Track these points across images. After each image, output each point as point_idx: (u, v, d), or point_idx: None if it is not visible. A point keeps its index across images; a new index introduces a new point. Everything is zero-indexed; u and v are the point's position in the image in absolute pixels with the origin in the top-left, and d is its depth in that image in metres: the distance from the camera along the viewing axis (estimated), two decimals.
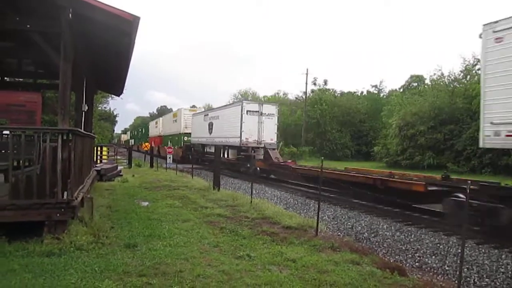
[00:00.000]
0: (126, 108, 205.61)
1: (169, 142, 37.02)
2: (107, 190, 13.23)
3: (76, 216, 6.83)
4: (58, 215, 6.42)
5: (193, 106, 44.62)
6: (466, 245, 7.09)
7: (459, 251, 6.62)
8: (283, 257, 6.38)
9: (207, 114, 30.26)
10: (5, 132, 8.68)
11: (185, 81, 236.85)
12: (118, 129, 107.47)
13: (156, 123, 48.99)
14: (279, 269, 5.80)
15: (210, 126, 28.68)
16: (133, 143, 60.55)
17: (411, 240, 9.28)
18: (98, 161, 21.12)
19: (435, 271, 7.45)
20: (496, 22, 9.01)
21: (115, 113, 63.93)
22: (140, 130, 65.12)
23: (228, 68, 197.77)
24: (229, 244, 7.09)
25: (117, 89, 15.96)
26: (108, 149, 30.99)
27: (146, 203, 11.15)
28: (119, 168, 20.51)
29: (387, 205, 12.92)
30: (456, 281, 5.97)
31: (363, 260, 6.50)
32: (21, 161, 6.83)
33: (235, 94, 73.63)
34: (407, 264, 7.82)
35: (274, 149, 23.53)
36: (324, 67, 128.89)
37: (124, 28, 7.04)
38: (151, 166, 28.40)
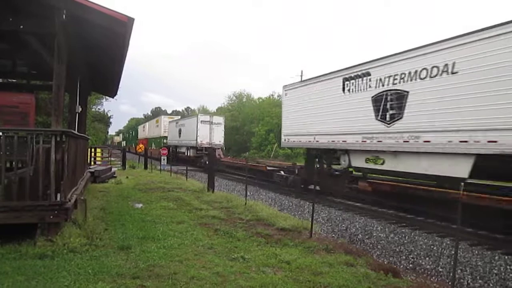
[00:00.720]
0: (120, 109, 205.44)
1: (152, 144, 43.35)
2: (101, 192, 13.17)
3: (69, 218, 6.78)
4: (51, 217, 6.37)
5: (173, 113, 55.83)
6: (459, 246, 7.13)
7: (453, 252, 6.65)
8: (277, 259, 6.38)
9: (178, 122, 37.83)
10: None
11: (179, 82, 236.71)
12: (112, 131, 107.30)
13: (144, 127, 55.80)
14: (274, 271, 5.80)
15: (180, 131, 36.11)
16: (124, 145, 65.87)
17: (405, 241, 9.32)
18: (92, 163, 21.03)
19: (429, 272, 7.48)
20: (285, 86, 18.68)
21: (109, 115, 63.97)
22: (131, 132, 70.68)
23: (223, 69, 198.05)
24: (224, 246, 7.07)
25: (111, 90, 15.89)
26: (102, 150, 30.86)
27: (140, 205, 11.10)
28: (113, 169, 20.43)
29: (375, 205, 12.98)
30: (450, 283, 6.00)
31: (357, 262, 6.52)
32: (14, 163, 6.78)
33: (230, 95, 73.60)
34: (401, 266, 7.85)
35: (219, 148, 31.61)
36: (319, 68, 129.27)
37: (118, 29, 7.02)
38: (145, 167, 28.33)
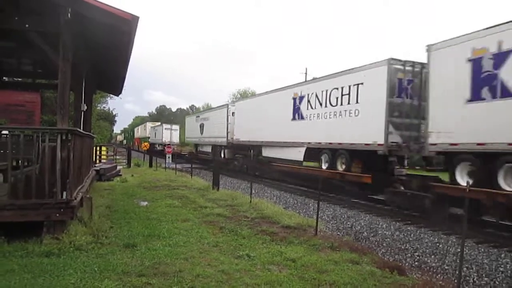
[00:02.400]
0: (125, 107, 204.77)
1: (142, 141, 53.43)
2: (106, 190, 13.22)
3: (75, 216, 6.81)
4: (57, 215, 6.40)
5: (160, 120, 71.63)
6: (465, 244, 7.11)
7: (459, 250, 6.63)
8: (282, 256, 6.38)
9: (154, 127, 53.58)
10: (4, 132, 8.67)
11: (184, 80, 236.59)
12: (117, 129, 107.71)
13: (137, 129, 71.48)
14: (279, 269, 5.80)
15: (155, 134, 50.08)
16: (125, 143, 77.02)
17: (411, 239, 9.29)
18: (97, 161, 21.12)
19: (434, 270, 7.45)
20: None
21: (114, 113, 64.53)
22: (130, 132, 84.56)
23: (227, 67, 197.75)
24: (229, 243, 7.08)
25: (116, 88, 15.92)
26: (107, 148, 30.97)
27: (145, 203, 11.14)
28: (118, 167, 20.50)
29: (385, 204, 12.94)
30: (456, 280, 5.98)
31: (362, 260, 6.50)
32: (20, 161, 6.82)
33: (234, 93, 73.70)
34: (407, 264, 7.82)
35: (174, 144, 41.64)
36: (324, 66, 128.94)
37: (123, 27, 7.02)
38: (150, 165, 28.38)
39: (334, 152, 15.41)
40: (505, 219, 9.65)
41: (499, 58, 9.12)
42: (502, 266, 7.42)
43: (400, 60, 12.69)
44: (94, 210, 8.11)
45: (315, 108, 16.46)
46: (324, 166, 16.03)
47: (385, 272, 5.95)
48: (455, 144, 10.18)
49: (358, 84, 13.91)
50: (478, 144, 9.53)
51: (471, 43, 9.82)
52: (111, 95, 35.10)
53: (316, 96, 16.34)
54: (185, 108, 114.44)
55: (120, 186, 15.02)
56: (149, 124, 60.11)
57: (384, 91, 12.54)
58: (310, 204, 13.66)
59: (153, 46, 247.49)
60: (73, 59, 7.31)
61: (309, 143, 16.81)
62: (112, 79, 13.50)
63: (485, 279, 6.94)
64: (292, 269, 5.82)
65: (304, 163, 17.86)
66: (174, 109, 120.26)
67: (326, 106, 15.67)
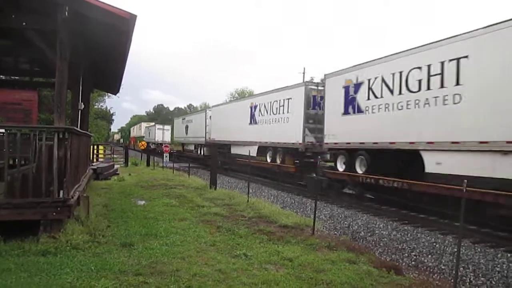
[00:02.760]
0: (123, 106, 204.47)
1: (138, 141, 56.48)
2: (104, 189, 13.20)
3: (72, 215, 6.79)
4: (54, 214, 6.38)
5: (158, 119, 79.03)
6: (462, 244, 7.12)
7: (455, 250, 6.63)
8: (279, 256, 6.38)
9: (148, 127, 58.05)
10: (0, 130, 8.63)
11: (182, 79, 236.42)
12: (114, 128, 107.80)
13: (133, 129, 76.86)
14: (276, 268, 5.80)
15: (149, 133, 54.14)
16: (122, 142, 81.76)
17: (408, 239, 9.31)
18: (95, 160, 21.07)
19: (431, 270, 7.47)
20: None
21: (111, 112, 64.78)
22: (126, 131, 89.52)
23: (225, 67, 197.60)
24: (226, 243, 7.08)
25: (114, 87, 15.88)
26: (105, 147, 30.92)
27: (142, 202, 11.13)
28: (115, 166, 20.47)
29: (383, 204, 12.99)
30: (452, 280, 5.99)
31: (359, 259, 6.51)
32: (16, 160, 6.79)
33: (232, 93, 73.80)
34: (404, 263, 7.83)
35: (167, 143, 39.60)
36: (322, 66, 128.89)
37: (121, 26, 7.00)
38: (148, 164, 28.37)
39: (275, 149, 20.20)
40: (356, 189, 14.54)
41: (357, 87, 13.96)
42: (499, 266, 7.44)
43: (314, 83, 18.60)
44: (91, 209, 8.10)
45: (263, 115, 21.36)
46: (268, 160, 20.89)
47: (382, 271, 5.96)
48: (337, 143, 15.08)
49: (289, 99, 18.60)
50: (347, 143, 14.49)
51: (344, 76, 14.59)
52: (109, 94, 35.08)
53: (264, 106, 21.22)
54: (183, 107, 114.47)
55: (117, 185, 15.00)
56: (144, 124, 65.39)
57: (302, 104, 17.30)
58: (308, 204, 13.67)
59: (151, 45, 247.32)
60: (70, 57, 7.29)
61: (260, 142, 21.56)
62: (110, 78, 13.47)
63: (482, 279, 6.95)
64: (289, 268, 5.82)
65: (257, 158, 22.15)
66: (171, 108, 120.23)
67: (270, 114, 20.58)
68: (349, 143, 14.28)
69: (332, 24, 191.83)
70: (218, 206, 11.05)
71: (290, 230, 8.44)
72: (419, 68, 11.18)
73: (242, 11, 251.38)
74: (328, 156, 17.81)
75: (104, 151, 29.40)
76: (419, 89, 11.20)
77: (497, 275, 7.06)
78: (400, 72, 11.85)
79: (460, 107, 10.02)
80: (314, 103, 17.25)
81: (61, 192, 6.54)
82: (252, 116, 22.55)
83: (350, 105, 14.17)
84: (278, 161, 19.87)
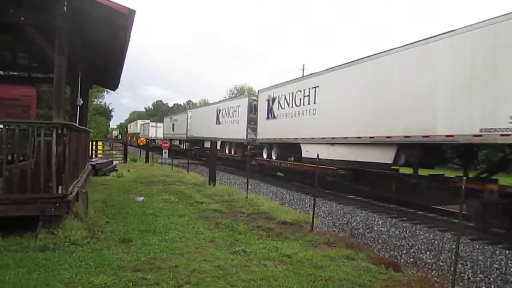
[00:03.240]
0: (121, 102, 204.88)
1: (134, 137, 60.17)
2: (102, 185, 13.19)
3: (70, 211, 6.79)
4: (52, 209, 6.38)
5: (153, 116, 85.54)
6: (460, 241, 7.11)
7: (454, 247, 6.65)
8: (278, 252, 6.39)
9: (143, 124, 63.04)
10: None
11: (180, 75, 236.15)
12: (113, 124, 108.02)
13: (130, 126, 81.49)
14: (275, 265, 5.81)
15: (144, 130, 59.32)
16: (120, 138, 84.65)
17: (406, 235, 9.32)
18: (93, 156, 21.05)
19: (429, 266, 7.48)
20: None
21: (110, 108, 64.79)
22: (124, 128, 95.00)
23: (224, 63, 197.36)
24: (225, 239, 7.09)
25: (112, 83, 15.87)
26: (104, 143, 30.88)
27: (141, 198, 11.13)
28: (114, 163, 20.45)
29: (382, 201, 13.01)
30: (451, 277, 6.00)
31: (358, 256, 6.52)
32: (15, 155, 6.78)
33: (231, 89, 73.61)
34: (402, 260, 7.85)
35: (159, 139, 48.05)
36: (323, 63, 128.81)
37: (120, 21, 6.98)
38: (147, 161, 28.36)
39: (231, 143, 25.98)
40: (273, 173, 20.91)
41: (273, 100, 19.99)
42: (497, 262, 7.45)
43: (255, 94, 23.51)
44: (89, 205, 8.10)
45: (225, 117, 27.19)
46: (227, 152, 26.45)
47: (381, 268, 5.97)
48: (263, 139, 21.01)
49: (238, 106, 24.65)
50: (268, 139, 20.45)
51: (268, 92, 20.64)
52: (108, 90, 35.04)
53: (225, 110, 27.16)
54: (182, 104, 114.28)
55: (116, 181, 14.99)
56: (139, 122, 71.80)
57: (246, 111, 23.25)
58: (306, 200, 13.68)
59: (151, 41, 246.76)
60: (69, 53, 7.27)
61: (222, 138, 26.97)
62: (109, 74, 13.45)
63: (480, 275, 6.97)
64: (288, 264, 5.83)
65: (221, 150, 27.08)
66: (171, 104, 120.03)
67: (228, 117, 26.48)
68: (269, 138, 20.33)
69: (333, 22, 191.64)
70: (217, 202, 11.05)
71: (289, 227, 8.44)
72: (300, 91, 17.31)
73: (242, 9, 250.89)
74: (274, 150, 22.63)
75: (103, 147, 29.37)
76: (300, 104, 17.28)
77: (496, 272, 7.07)
78: (292, 93, 18.07)
79: (315, 117, 16.07)
80: (255, 110, 22.48)
81: (60, 188, 6.53)
82: (218, 118, 28.80)
83: (270, 112, 20.30)
84: (232, 153, 25.79)
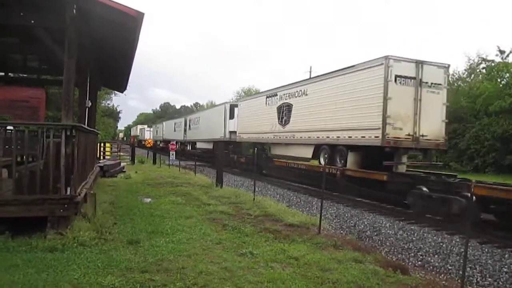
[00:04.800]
0: (129, 104, 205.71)
1: (136, 139, 71.19)
2: (110, 186, 13.26)
3: (79, 212, 6.84)
4: (61, 210, 6.42)
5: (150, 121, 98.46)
6: (469, 244, 7.05)
7: (462, 250, 6.60)
8: (285, 254, 6.37)
9: (141, 128, 74.07)
10: (8, 127, 8.69)
11: (188, 78, 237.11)
12: (121, 126, 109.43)
13: (133, 129, 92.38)
14: (282, 267, 5.80)
15: (141, 133, 71.28)
16: (125, 139, 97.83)
17: (414, 239, 9.26)
18: (101, 157, 21.17)
19: (437, 270, 7.43)
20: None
21: (118, 110, 65.57)
22: (128, 131, 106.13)
23: (233, 66, 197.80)
24: (232, 241, 7.08)
25: (121, 85, 15.96)
26: (111, 145, 31.05)
27: (149, 200, 11.17)
28: (122, 164, 20.54)
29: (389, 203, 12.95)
30: (459, 280, 5.96)
31: (365, 259, 6.48)
32: (24, 157, 6.84)
33: (238, 91, 73.67)
34: (410, 263, 7.80)
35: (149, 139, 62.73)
36: (327, 63, 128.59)
37: (128, 24, 7.02)
38: (154, 162, 28.45)
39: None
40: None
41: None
42: (506, 266, 7.38)
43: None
44: (97, 206, 8.14)
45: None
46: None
47: (388, 271, 5.93)
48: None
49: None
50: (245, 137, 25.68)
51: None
52: (116, 92, 35.25)
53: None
54: (189, 106, 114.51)
55: (123, 183, 15.06)
56: (139, 126, 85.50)
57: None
58: (314, 203, 13.64)
59: (159, 44, 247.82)
60: (78, 55, 7.32)
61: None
62: (117, 76, 13.53)
63: (489, 279, 6.91)
64: (295, 267, 5.81)
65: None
66: (178, 106, 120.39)
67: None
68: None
69: (334, 23, 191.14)
70: (224, 204, 11.05)
71: (296, 229, 8.42)
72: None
73: (242, 12, 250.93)
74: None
75: (111, 148, 29.54)
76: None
77: (505, 276, 7.00)
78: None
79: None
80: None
81: (68, 189, 6.58)
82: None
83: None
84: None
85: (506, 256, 7.89)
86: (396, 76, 12.68)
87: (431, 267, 7.60)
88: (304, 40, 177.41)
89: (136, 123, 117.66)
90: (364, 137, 13.67)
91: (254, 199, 11.81)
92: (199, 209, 10.14)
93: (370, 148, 13.67)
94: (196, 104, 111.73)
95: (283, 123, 20.16)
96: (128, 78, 13.80)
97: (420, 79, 12.95)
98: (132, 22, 6.94)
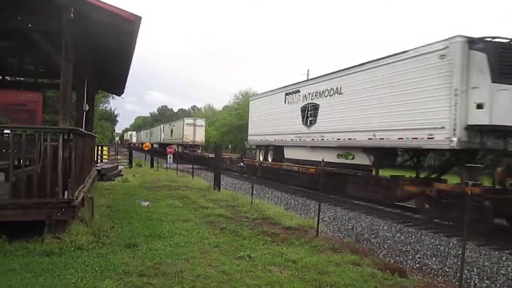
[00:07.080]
0: (126, 108, 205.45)
1: (127, 142, 75.64)
2: (108, 190, 13.22)
3: (76, 215, 6.82)
4: (58, 214, 6.40)
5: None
6: (466, 246, 7.08)
7: (460, 252, 6.61)
8: (283, 257, 6.37)
9: (130, 134, 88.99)
10: (6, 131, 8.68)
11: (185, 81, 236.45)
12: (119, 129, 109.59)
13: (126, 134, 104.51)
14: (280, 270, 5.80)
15: (129, 137, 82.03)
16: (120, 143, 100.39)
17: (412, 241, 9.27)
18: (99, 161, 21.13)
19: (435, 272, 7.44)
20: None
21: (115, 113, 65.08)
22: (123, 135, 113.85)
23: (227, 68, 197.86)
24: (230, 244, 7.08)
25: (118, 88, 15.96)
26: (109, 148, 31.00)
27: (146, 203, 11.15)
28: (119, 167, 20.51)
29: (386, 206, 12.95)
30: (457, 283, 5.97)
31: (363, 261, 6.49)
32: (21, 161, 6.82)
33: (236, 94, 73.74)
34: (408, 265, 7.81)
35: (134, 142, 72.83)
36: (325, 65, 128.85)
37: (126, 27, 7.03)
38: (152, 166, 28.41)
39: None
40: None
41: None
42: (503, 269, 7.40)
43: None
44: (95, 210, 8.12)
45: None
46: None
47: (386, 274, 5.95)
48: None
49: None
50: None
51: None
52: (113, 95, 35.20)
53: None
54: (186, 109, 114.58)
55: (121, 186, 15.03)
56: (129, 132, 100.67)
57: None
58: (311, 206, 13.65)
59: (156, 47, 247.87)
60: (75, 59, 7.32)
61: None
62: (114, 79, 13.53)
63: (486, 281, 6.92)
64: (293, 270, 5.81)
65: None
66: (175, 110, 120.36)
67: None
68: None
69: (333, 24, 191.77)
70: (222, 207, 11.05)
71: (294, 232, 8.43)
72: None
73: (240, 14, 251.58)
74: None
75: (108, 152, 29.48)
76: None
77: (502, 278, 7.02)
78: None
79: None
80: None
81: (66, 192, 6.56)
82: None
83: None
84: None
85: (504, 258, 7.91)
86: None
87: (429, 269, 7.61)
88: (303, 42, 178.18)
89: (133, 126, 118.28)
90: None
91: (251, 202, 11.81)
92: (196, 212, 10.13)
93: None
94: (193, 107, 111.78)
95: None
96: (125, 81, 13.80)
97: None
98: (129, 25, 6.95)
